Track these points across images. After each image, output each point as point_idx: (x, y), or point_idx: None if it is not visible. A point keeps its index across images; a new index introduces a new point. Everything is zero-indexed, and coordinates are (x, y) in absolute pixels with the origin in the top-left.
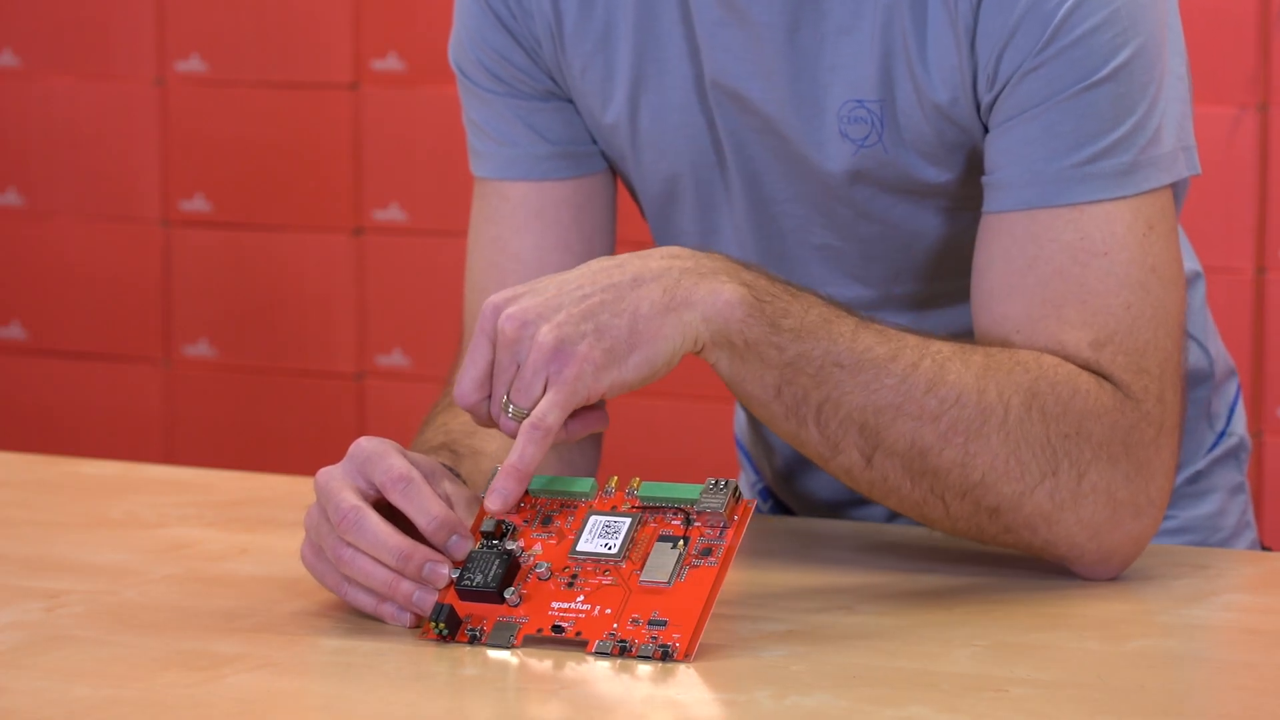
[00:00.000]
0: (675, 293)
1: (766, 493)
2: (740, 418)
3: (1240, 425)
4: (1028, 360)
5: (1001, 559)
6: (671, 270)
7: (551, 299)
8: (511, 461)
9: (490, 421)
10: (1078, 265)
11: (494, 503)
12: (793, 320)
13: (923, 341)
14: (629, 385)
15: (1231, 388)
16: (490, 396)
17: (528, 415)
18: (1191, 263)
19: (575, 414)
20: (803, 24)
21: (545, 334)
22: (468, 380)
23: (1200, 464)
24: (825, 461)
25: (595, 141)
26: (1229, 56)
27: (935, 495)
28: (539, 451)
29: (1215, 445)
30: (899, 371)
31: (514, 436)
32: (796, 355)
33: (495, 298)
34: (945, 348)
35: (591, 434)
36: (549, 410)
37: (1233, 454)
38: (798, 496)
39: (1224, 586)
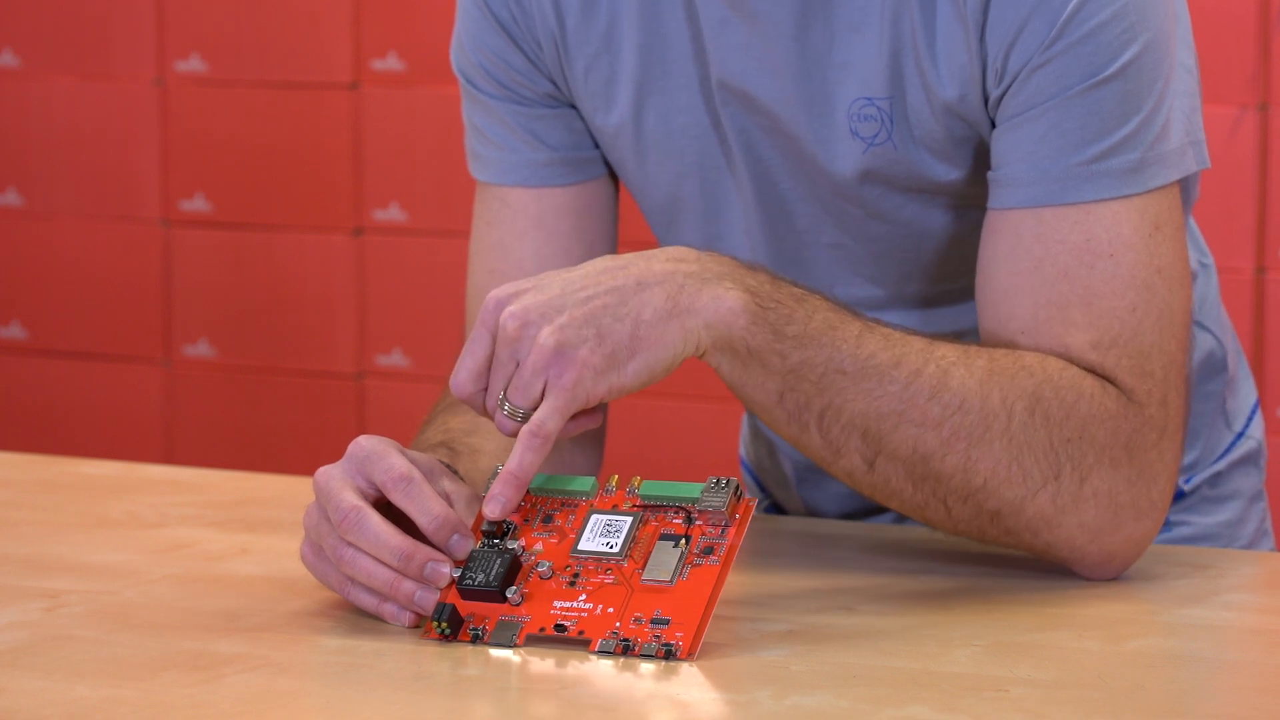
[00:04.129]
0: (679, 299)
1: (773, 509)
2: (745, 434)
3: (1258, 430)
4: (1032, 364)
5: (1001, 559)
6: (676, 274)
7: (554, 298)
8: (510, 468)
9: (487, 412)
10: (1084, 267)
11: (493, 510)
12: (796, 327)
13: (927, 345)
14: (627, 390)
15: (1249, 392)
16: (487, 389)
17: (524, 414)
18: (1203, 255)
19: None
20: (812, 21)
21: (546, 336)
22: (464, 371)
23: (1219, 465)
24: (828, 465)
25: (597, 146)
26: (1229, 56)
27: (937, 499)
28: (538, 458)
29: (1232, 446)
30: (902, 378)
31: (510, 434)
32: (799, 362)
33: (498, 292)
34: (950, 352)
35: (591, 433)
36: (548, 417)
37: (1252, 459)
38: (807, 513)
39: (1225, 586)
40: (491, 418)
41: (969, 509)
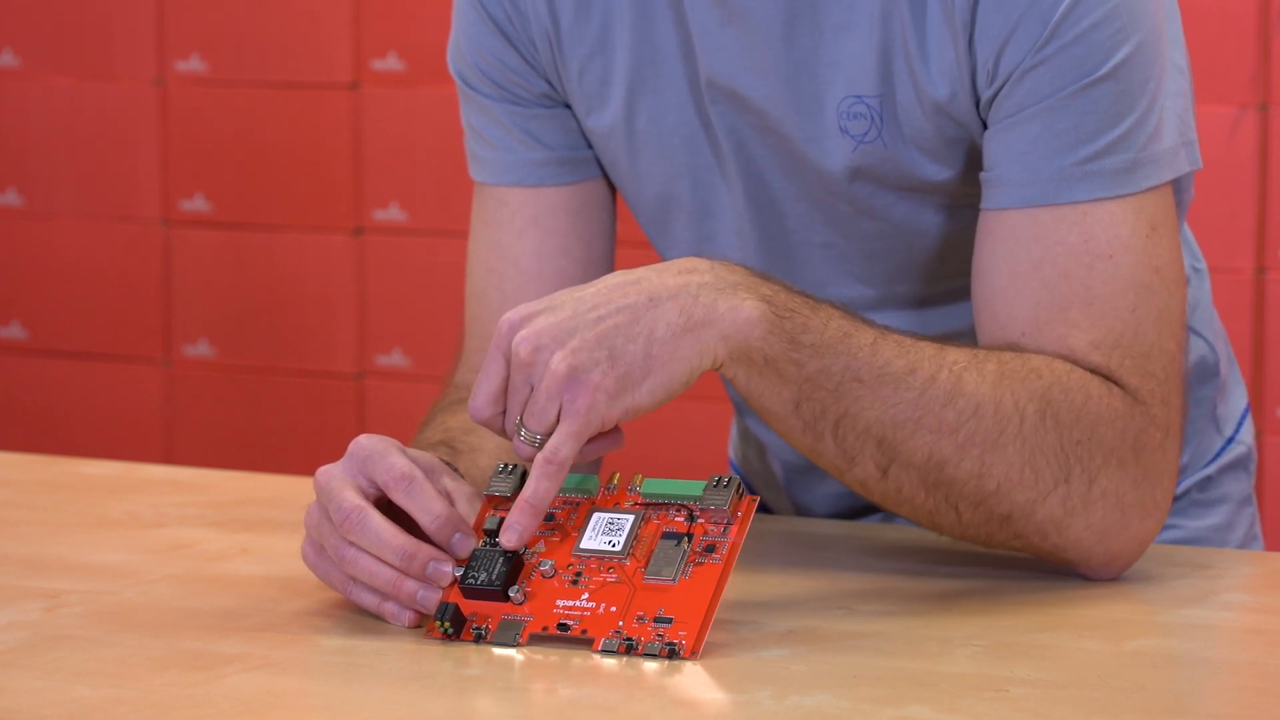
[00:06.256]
0: (693, 312)
1: (761, 511)
2: (734, 436)
3: (1248, 435)
4: (1040, 366)
5: (1001, 560)
6: (689, 287)
7: (566, 320)
8: (525, 496)
9: (508, 435)
10: (1082, 268)
11: (509, 539)
12: (812, 335)
13: (939, 351)
14: (644, 410)
15: (1240, 397)
16: (505, 412)
17: (540, 439)
18: (1196, 259)
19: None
20: (800, 21)
21: (558, 361)
22: (481, 396)
23: (1209, 470)
24: (840, 473)
25: (592, 146)
26: (1229, 56)
27: (949, 505)
28: (553, 486)
29: (1222, 451)
30: (918, 385)
31: (527, 459)
32: (816, 371)
33: (511, 315)
34: (961, 356)
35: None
36: (562, 443)
37: (1241, 464)
38: (796, 514)
39: (1224, 586)
40: (511, 440)
41: (980, 514)
